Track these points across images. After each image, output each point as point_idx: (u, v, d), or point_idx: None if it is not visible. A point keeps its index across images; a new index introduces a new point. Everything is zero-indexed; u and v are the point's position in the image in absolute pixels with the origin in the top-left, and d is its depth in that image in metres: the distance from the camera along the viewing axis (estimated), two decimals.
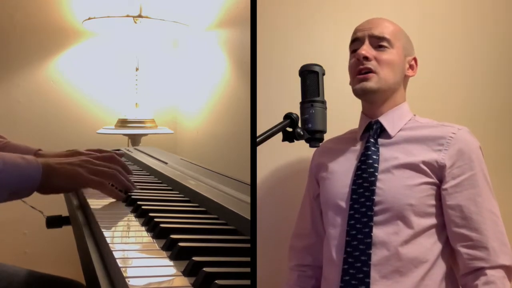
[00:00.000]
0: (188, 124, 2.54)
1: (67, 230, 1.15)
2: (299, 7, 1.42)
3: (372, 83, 1.10)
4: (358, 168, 1.10)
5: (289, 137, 1.06)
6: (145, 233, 0.82)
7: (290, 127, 1.05)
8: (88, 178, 1.03)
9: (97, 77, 2.49)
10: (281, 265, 1.31)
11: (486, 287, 0.99)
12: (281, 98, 1.35)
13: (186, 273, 0.64)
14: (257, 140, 0.98)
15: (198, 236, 0.79)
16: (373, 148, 1.10)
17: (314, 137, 1.07)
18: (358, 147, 1.15)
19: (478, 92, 1.40)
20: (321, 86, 1.08)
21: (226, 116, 2.19)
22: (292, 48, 1.40)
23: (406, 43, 1.15)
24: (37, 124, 2.41)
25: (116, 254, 0.68)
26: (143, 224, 0.87)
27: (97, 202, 1.03)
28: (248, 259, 0.71)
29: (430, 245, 1.04)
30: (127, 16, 2.17)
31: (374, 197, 1.05)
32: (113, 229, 0.86)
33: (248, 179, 1.09)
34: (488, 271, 1.00)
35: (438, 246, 1.05)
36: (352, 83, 1.14)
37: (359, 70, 1.11)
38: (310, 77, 1.08)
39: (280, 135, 1.05)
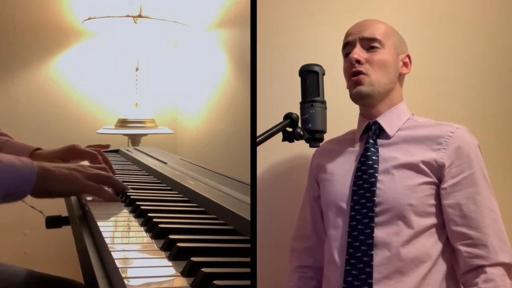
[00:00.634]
0: (188, 124, 2.54)
1: (67, 230, 1.15)
2: (299, 7, 1.42)
3: (365, 87, 1.10)
4: (358, 169, 1.10)
5: (289, 137, 1.06)
6: (144, 233, 0.82)
7: (290, 127, 1.05)
8: (85, 184, 1.01)
9: (97, 77, 2.49)
10: (281, 265, 1.31)
11: (486, 285, 0.99)
12: (281, 98, 1.35)
13: (184, 273, 0.64)
14: (257, 140, 0.98)
15: (197, 236, 0.79)
16: (372, 149, 1.10)
17: (314, 137, 1.07)
18: (357, 148, 1.15)
19: (478, 92, 1.39)
20: (321, 86, 1.08)
21: (226, 116, 2.19)
22: (292, 48, 1.40)
23: (397, 41, 1.15)
24: (37, 124, 2.41)
25: (115, 254, 0.68)
26: (142, 224, 0.87)
27: (96, 202, 1.03)
28: (247, 259, 0.70)
29: (431, 244, 1.04)
30: (127, 16, 2.17)
31: (374, 198, 1.05)
32: (112, 229, 0.86)
33: (248, 179, 1.09)
34: (488, 269, 1.00)
35: (439, 245, 1.05)
36: (348, 87, 1.14)
37: (352, 73, 1.11)
38: (310, 77, 1.08)
39: (280, 135, 1.05)
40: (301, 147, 1.13)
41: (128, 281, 0.59)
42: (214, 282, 0.58)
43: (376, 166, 1.08)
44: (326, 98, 1.08)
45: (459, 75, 1.40)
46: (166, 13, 2.20)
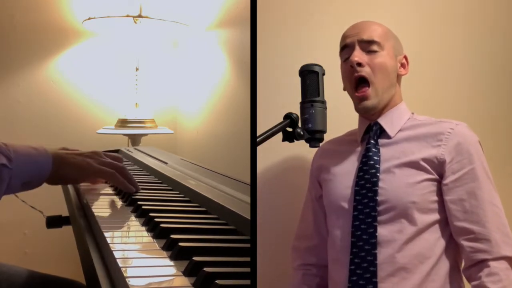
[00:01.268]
0: (188, 124, 2.54)
1: (67, 230, 1.15)
2: (299, 7, 1.42)
3: (371, 100, 1.10)
4: (359, 169, 1.10)
5: (289, 137, 1.06)
6: (145, 233, 0.82)
7: (290, 127, 1.05)
8: (99, 168, 1.04)
9: (97, 77, 2.49)
10: (281, 265, 1.31)
11: (490, 279, 1.00)
12: (281, 98, 1.35)
13: (186, 273, 0.64)
14: (257, 140, 0.98)
15: (198, 236, 0.79)
16: (373, 149, 1.10)
17: (314, 137, 1.07)
18: (358, 148, 1.15)
19: (475, 92, 1.40)
20: (321, 86, 1.08)
21: (226, 116, 2.19)
22: (292, 48, 1.40)
23: (395, 42, 1.15)
24: (37, 124, 2.41)
25: (116, 254, 0.68)
26: (143, 224, 0.87)
27: (97, 202, 1.03)
28: (248, 259, 0.71)
29: (435, 240, 1.05)
30: (127, 16, 2.17)
31: (377, 197, 1.06)
32: (113, 229, 0.86)
33: (248, 179, 1.09)
34: (491, 263, 1.01)
35: (443, 241, 1.06)
36: (351, 97, 1.14)
37: (354, 79, 1.11)
38: (310, 77, 1.08)
39: (280, 135, 1.05)
40: (301, 147, 1.14)
41: (130, 281, 0.59)
42: (216, 281, 0.59)
43: (377, 166, 1.08)
44: (326, 98, 1.09)
45: (456, 75, 1.40)
46: (166, 13, 2.20)
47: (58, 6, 2.41)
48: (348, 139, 1.20)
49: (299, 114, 1.07)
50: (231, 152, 2.11)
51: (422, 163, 1.06)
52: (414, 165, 1.06)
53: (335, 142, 1.22)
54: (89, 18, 2.20)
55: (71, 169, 1.03)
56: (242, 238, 0.81)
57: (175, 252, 0.70)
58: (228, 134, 2.15)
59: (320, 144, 1.10)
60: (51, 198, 1.47)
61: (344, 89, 1.16)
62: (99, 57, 2.49)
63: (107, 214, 0.95)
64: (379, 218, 1.05)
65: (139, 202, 0.98)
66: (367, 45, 1.12)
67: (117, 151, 1.89)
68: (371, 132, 1.13)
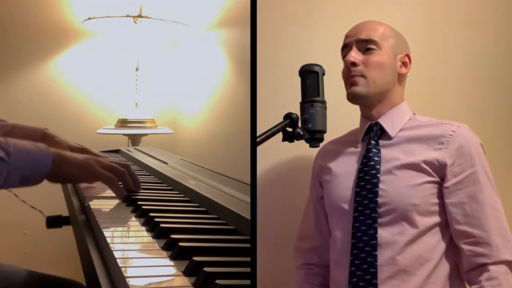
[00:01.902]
0: (188, 124, 2.54)
1: (67, 230, 1.15)
2: (299, 7, 1.42)
3: (360, 87, 1.11)
4: (360, 170, 1.10)
5: (289, 137, 1.06)
6: (145, 233, 0.82)
7: (290, 127, 1.05)
8: (99, 171, 1.05)
9: (97, 77, 2.49)
10: (281, 265, 1.31)
11: (489, 283, 0.99)
12: (281, 98, 1.35)
13: (186, 273, 0.64)
14: (257, 140, 0.98)
15: (198, 236, 0.79)
16: (374, 150, 1.10)
17: (314, 137, 1.07)
18: (359, 149, 1.15)
19: (476, 92, 1.40)
20: (321, 86, 1.08)
21: (226, 116, 2.19)
22: (292, 48, 1.40)
23: (396, 42, 1.15)
24: (37, 124, 2.37)
25: (116, 254, 0.68)
26: (143, 224, 0.87)
27: (97, 202, 1.03)
28: (248, 259, 0.71)
29: (435, 243, 1.05)
30: (127, 16, 2.17)
31: (377, 199, 1.06)
32: (113, 229, 0.86)
33: (248, 179, 1.09)
34: (491, 267, 1.01)
35: (443, 244, 1.06)
36: (346, 89, 1.14)
37: (349, 77, 1.12)
38: (310, 77, 1.08)
39: (280, 135, 1.05)
40: (301, 147, 1.14)
41: (130, 281, 0.59)
42: (216, 281, 0.59)
43: (378, 166, 1.08)
44: (326, 98, 1.08)
45: (458, 75, 1.40)
46: (166, 13, 2.20)
47: (58, 6, 2.41)
48: (348, 139, 1.20)
49: (299, 114, 1.07)
50: (231, 152, 2.11)
51: (423, 165, 1.06)
52: (415, 167, 1.06)
53: (336, 143, 1.22)
54: (89, 18, 2.20)
55: (71, 169, 1.03)
56: (242, 238, 0.81)
57: (175, 252, 0.70)
58: (228, 134, 2.15)
59: (320, 144, 1.09)
60: (51, 198, 1.47)
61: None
62: (99, 57, 2.49)
63: (107, 214, 0.95)
64: (379, 220, 1.04)
65: (139, 202, 0.98)
66: (365, 44, 1.12)
67: (117, 151, 1.89)
68: (372, 132, 1.13)
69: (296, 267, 1.24)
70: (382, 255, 1.03)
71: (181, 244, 0.71)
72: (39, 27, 2.39)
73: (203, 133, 2.40)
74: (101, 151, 1.67)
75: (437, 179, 1.06)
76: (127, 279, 0.60)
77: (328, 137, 1.16)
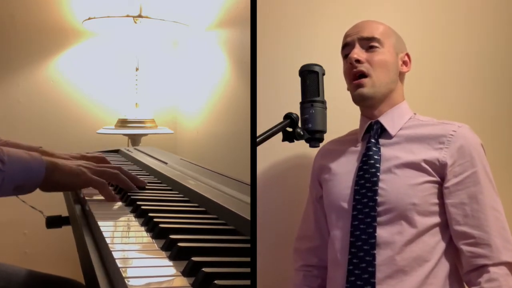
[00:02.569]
0: (188, 124, 2.54)
1: (67, 230, 1.15)
2: (299, 7, 1.42)
3: (367, 88, 1.10)
4: (359, 169, 1.10)
5: (289, 137, 1.06)
6: (144, 233, 0.82)
7: (290, 127, 1.05)
8: (91, 178, 1.05)
9: (97, 77, 2.49)
10: (281, 265, 1.31)
11: (489, 285, 0.99)
12: (281, 98, 1.35)
13: (185, 273, 0.64)
14: (257, 140, 0.98)
15: (197, 236, 0.79)
16: (374, 149, 1.10)
17: (314, 137, 1.07)
18: (359, 148, 1.15)
19: (476, 91, 1.40)
20: (321, 86, 1.08)
21: (226, 116, 2.19)
22: (292, 48, 1.40)
23: (396, 40, 1.15)
24: (37, 124, 2.41)
25: (115, 254, 0.68)
26: (142, 224, 0.87)
27: (97, 202, 1.03)
28: (248, 259, 0.71)
29: (434, 243, 1.04)
30: (127, 16, 2.17)
31: (376, 198, 1.05)
32: (112, 229, 0.86)
33: (248, 179, 1.09)
34: (491, 268, 1.00)
35: (442, 244, 1.05)
36: (350, 89, 1.14)
37: (353, 74, 1.11)
38: (310, 77, 1.08)
39: (280, 135, 1.05)
40: (301, 147, 1.14)
41: (129, 281, 0.59)
42: (215, 281, 0.58)
43: (378, 165, 1.08)
44: (326, 98, 1.08)
45: (457, 75, 1.40)
46: (166, 13, 2.20)
47: (58, 6, 2.41)
48: (349, 139, 1.20)
49: (299, 114, 1.07)
50: (231, 152, 2.11)
51: (424, 164, 1.05)
52: (415, 166, 1.06)
53: (337, 142, 1.21)
54: (89, 18, 2.20)
55: (63, 177, 1.03)
56: (242, 238, 0.81)
57: (174, 252, 0.70)
58: (228, 134, 2.15)
59: (320, 144, 1.09)
60: (51, 198, 1.47)
61: (348, 89, 1.16)
62: (99, 57, 2.49)
63: (106, 214, 0.95)
64: (378, 219, 1.04)
65: (138, 202, 0.98)
66: (367, 42, 1.12)
67: (117, 151, 1.89)
68: (372, 131, 1.13)
69: (295, 268, 1.24)
70: (381, 255, 1.03)
71: (180, 244, 0.71)
72: (39, 27, 2.39)
73: (203, 133, 2.40)
74: (101, 151, 1.68)
75: (437, 179, 1.05)
76: (126, 279, 0.60)
77: (328, 137, 1.16)
